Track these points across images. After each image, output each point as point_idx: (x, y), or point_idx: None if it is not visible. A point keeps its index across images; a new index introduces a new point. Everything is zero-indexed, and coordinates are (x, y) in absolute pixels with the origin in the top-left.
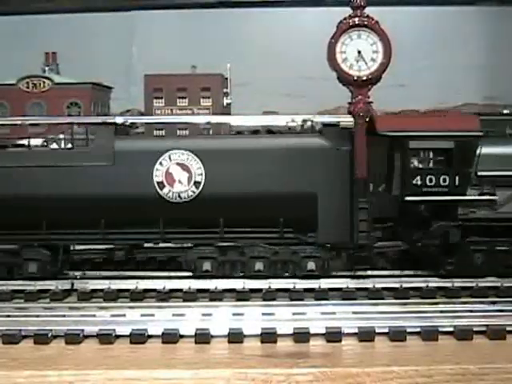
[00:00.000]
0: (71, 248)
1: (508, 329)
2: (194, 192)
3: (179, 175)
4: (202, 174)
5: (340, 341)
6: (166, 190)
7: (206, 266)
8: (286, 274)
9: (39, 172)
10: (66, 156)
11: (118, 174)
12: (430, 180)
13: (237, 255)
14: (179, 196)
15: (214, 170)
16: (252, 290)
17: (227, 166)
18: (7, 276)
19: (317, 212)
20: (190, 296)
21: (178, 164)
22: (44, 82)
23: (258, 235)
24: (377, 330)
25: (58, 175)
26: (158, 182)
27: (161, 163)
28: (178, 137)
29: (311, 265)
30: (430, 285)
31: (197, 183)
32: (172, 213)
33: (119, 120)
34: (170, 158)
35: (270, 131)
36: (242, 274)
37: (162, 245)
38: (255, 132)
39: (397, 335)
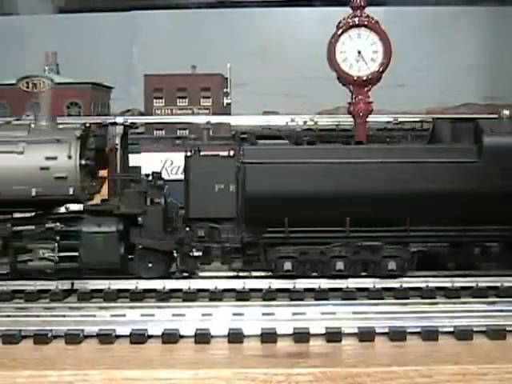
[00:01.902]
0: None
1: (508, 329)
2: None
3: None
4: None
5: (340, 341)
6: None
7: None
8: None
9: (392, 168)
10: (426, 151)
11: (485, 170)
12: None
13: None
14: None
15: None
16: (252, 290)
17: None
18: (363, 273)
19: None
20: (190, 296)
21: None
22: (44, 82)
23: None
24: (377, 330)
25: (416, 171)
26: None
27: None
28: None
29: None
30: (430, 285)
31: None
32: None
33: (119, 120)
34: None
35: None
36: None
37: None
38: None
39: (397, 335)
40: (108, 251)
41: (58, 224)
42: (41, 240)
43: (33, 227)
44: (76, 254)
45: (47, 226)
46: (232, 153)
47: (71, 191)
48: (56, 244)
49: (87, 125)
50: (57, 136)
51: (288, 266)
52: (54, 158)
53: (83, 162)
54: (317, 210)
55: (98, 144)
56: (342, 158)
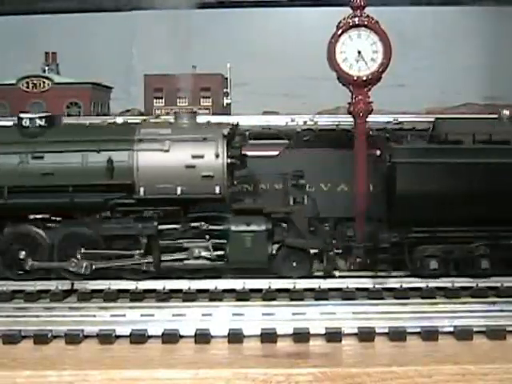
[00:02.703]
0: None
1: (508, 329)
2: None
3: None
4: None
5: (340, 341)
6: None
7: None
8: None
9: None
10: None
11: None
12: None
13: None
14: None
15: None
16: (252, 290)
17: None
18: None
19: None
20: (190, 296)
21: None
22: (44, 82)
23: None
24: (377, 330)
25: None
26: None
27: None
28: None
29: None
30: (430, 285)
31: None
32: None
33: (119, 120)
34: None
35: None
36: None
37: None
38: None
39: (397, 335)
40: (257, 250)
41: (202, 223)
42: (188, 239)
43: (178, 226)
44: (222, 252)
45: (192, 224)
46: (378, 152)
47: (218, 190)
48: (209, 243)
49: (234, 123)
50: (203, 134)
51: (434, 264)
52: (201, 157)
53: (230, 160)
54: (464, 209)
55: (242, 143)
56: (491, 158)
